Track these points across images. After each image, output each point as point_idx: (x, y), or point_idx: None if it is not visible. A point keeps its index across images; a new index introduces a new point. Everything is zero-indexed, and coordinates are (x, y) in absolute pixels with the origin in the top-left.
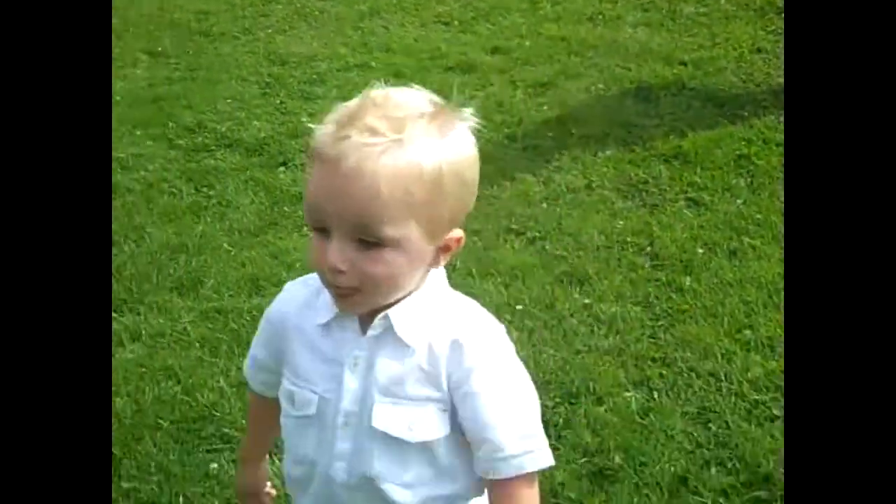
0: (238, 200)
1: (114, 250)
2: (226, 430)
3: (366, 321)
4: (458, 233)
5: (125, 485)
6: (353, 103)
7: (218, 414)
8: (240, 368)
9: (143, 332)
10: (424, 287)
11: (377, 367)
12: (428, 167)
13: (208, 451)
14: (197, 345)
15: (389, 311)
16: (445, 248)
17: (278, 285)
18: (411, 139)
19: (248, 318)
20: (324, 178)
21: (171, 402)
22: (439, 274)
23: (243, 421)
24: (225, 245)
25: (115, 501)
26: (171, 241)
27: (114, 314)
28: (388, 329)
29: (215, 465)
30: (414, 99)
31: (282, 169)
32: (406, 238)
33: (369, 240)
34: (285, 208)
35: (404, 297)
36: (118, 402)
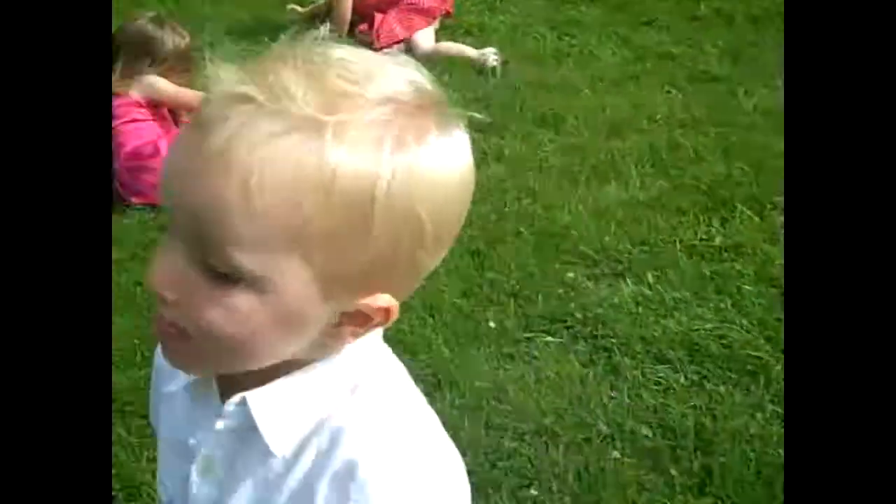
0: (600, 52)
1: (479, 79)
2: (582, 248)
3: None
4: (384, 300)
5: (489, 275)
6: (284, 46)
7: (575, 233)
8: (597, 199)
9: (506, 154)
10: (329, 356)
11: (238, 473)
12: (355, 181)
13: (564, 263)
14: (556, 172)
15: (248, 394)
16: (358, 319)
17: (640, 133)
18: (345, 130)
19: (606, 156)
20: (181, 150)
21: (531, 216)
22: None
23: (600, 243)
24: (585, 90)
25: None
26: (533, 80)
27: (477, 135)
28: (248, 419)
29: (571, 275)
30: (391, 72)
31: (646, 28)
32: (275, 281)
33: (217, 267)
34: (648, 64)
35: (278, 367)
36: (482, 209)
